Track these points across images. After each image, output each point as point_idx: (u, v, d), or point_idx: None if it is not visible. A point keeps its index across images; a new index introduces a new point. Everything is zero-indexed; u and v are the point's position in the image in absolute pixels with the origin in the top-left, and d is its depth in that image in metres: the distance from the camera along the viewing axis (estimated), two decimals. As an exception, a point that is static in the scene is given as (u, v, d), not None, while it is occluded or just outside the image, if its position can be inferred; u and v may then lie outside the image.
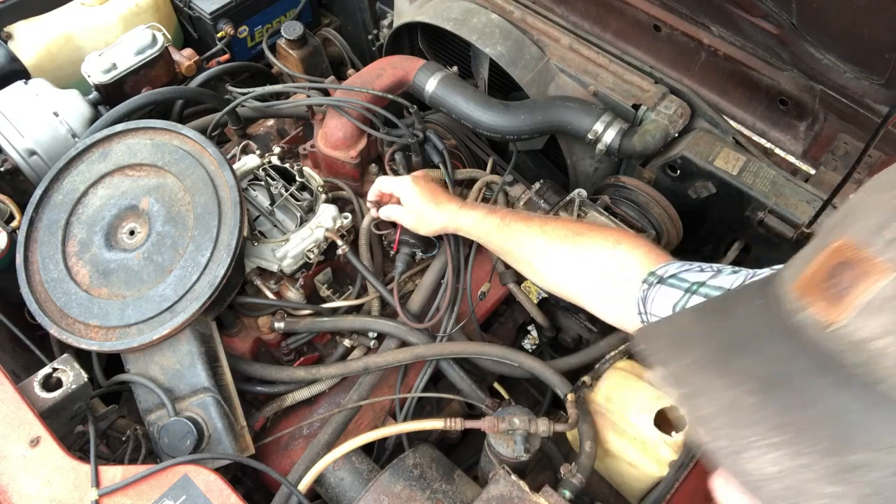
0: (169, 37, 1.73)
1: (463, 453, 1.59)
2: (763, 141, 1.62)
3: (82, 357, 1.18)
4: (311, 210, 1.41)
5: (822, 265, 0.44)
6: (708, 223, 1.55)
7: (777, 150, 1.61)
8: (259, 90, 1.59)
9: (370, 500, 1.12)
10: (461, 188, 1.61)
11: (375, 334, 1.38)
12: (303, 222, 1.39)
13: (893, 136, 1.34)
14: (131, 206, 1.23)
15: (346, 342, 1.39)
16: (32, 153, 1.47)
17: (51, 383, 1.10)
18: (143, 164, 1.27)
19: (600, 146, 1.49)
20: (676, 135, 1.52)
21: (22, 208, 1.30)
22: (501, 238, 1.25)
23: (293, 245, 1.34)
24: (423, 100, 1.65)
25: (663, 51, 1.67)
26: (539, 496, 1.01)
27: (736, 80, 1.59)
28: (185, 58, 1.78)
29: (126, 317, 1.15)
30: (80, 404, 1.13)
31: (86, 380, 1.11)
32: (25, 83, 1.54)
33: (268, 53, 1.82)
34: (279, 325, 1.33)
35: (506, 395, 1.53)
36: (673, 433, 1.19)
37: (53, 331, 1.16)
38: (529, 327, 1.83)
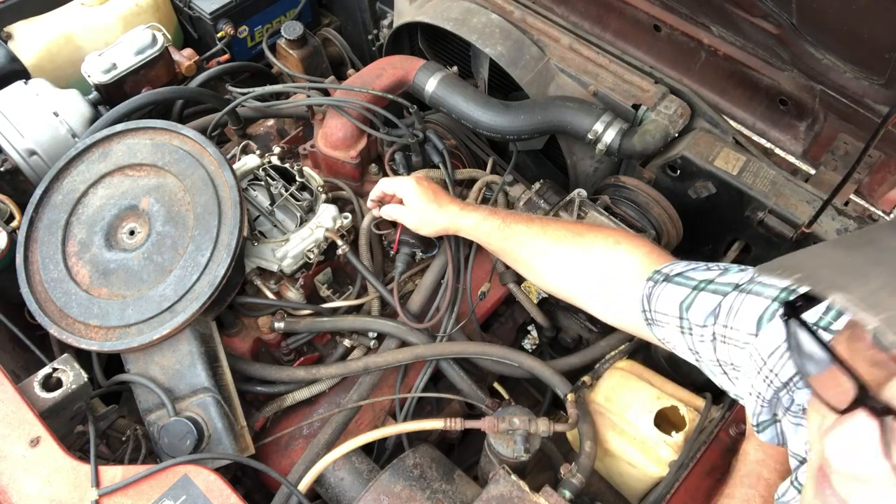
0: (169, 37, 1.74)
1: (463, 453, 1.59)
2: (763, 141, 1.62)
3: (82, 357, 1.18)
4: (311, 210, 1.41)
5: None
6: (708, 223, 1.55)
7: (777, 150, 1.61)
8: (259, 90, 1.59)
9: (370, 500, 1.12)
10: (461, 188, 1.61)
11: (375, 334, 1.38)
12: (303, 222, 1.39)
13: (893, 136, 1.34)
14: (131, 206, 1.23)
15: (346, 342, 1.39)
16: (32, 153, 1.47)
17: (51, 383, 1.10)
18: (143, 164, 1.27)
19: (600, 146, 1.49)
20: (676, 135, 1.52)
21: (22, 208, 1.30)
22: (502, 239, 1.25)
23: (293, 245, 1.34)
24: (423, 100, 1.65)
25: (663, 51, 1.67)
26: (539, 496, 1.01)
27: (736, 79, 1.59)
28: (185, 58, 1.78)
29: (126, 317, 1.15)
30: (80, 404, 1.13)
31: (86, 380, 1.11)
32: (25, 83, 1.54)
33: (268, 53, 1.82)
34: (279, 325, 1.33)
35: (506, 395, 1.53)
36: (673, 433, 1.19)
37: (53, 331, 1.16)
38: (529, 327, 1.83)
